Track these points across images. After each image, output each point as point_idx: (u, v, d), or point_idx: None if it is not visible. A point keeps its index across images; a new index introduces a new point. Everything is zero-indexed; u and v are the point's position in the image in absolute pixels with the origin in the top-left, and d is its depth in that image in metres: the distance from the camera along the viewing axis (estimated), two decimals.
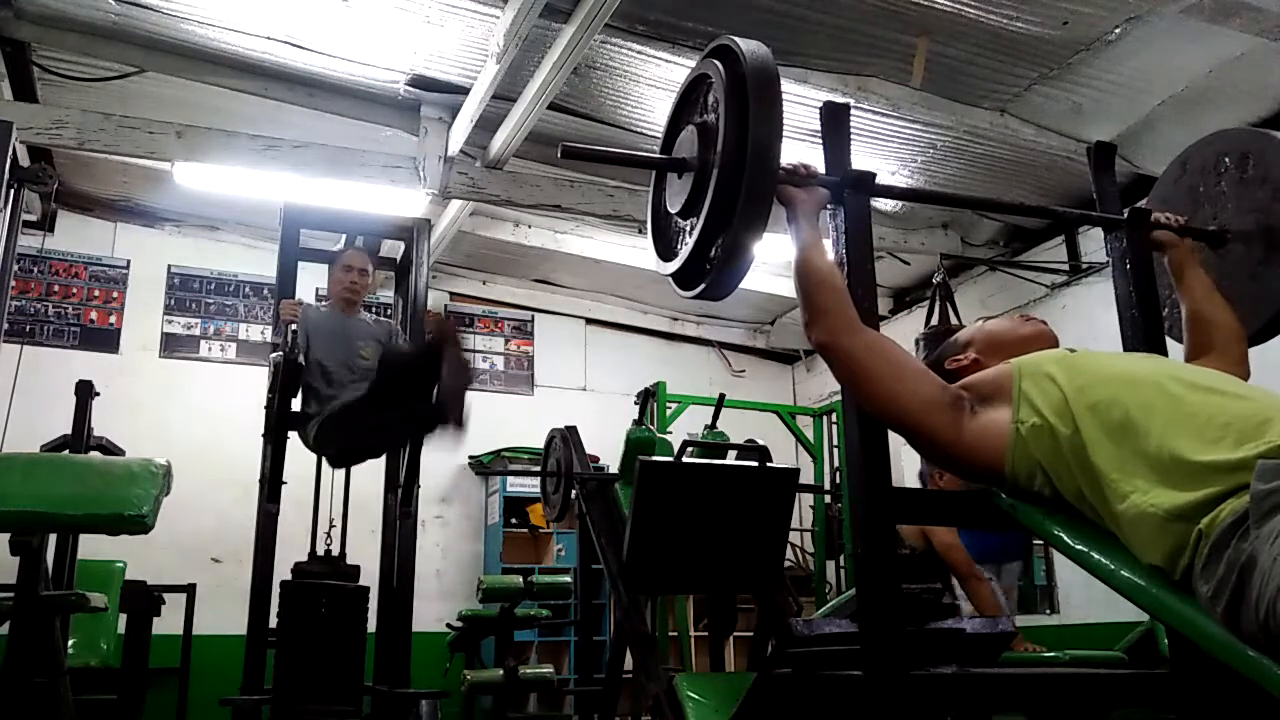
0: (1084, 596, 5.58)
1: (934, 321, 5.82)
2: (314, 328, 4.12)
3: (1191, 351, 1.94)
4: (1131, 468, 1.38)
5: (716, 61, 1.70)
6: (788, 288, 7.50)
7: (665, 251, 1.84)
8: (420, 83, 5.12)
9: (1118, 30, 4.36)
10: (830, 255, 1.75)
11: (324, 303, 4.40)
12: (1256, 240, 2.07)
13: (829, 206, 1.81)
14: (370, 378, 4.03)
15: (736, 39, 1.67)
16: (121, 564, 5.20)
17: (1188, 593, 1.30)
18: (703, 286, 1.71)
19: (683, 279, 1.77)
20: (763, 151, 1.58)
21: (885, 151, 5.45)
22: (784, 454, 7.26)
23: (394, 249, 4.93)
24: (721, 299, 1.75)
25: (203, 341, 7.00)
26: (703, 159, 1.69)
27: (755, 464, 3.39)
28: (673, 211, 1.78)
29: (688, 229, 1.73)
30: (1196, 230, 2.10)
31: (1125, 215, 2.09)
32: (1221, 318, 1.93)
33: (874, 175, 1.84)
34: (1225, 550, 1.22)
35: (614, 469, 4.83)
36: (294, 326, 3.98)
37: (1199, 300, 1.96)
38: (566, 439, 4.79)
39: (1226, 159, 2.14)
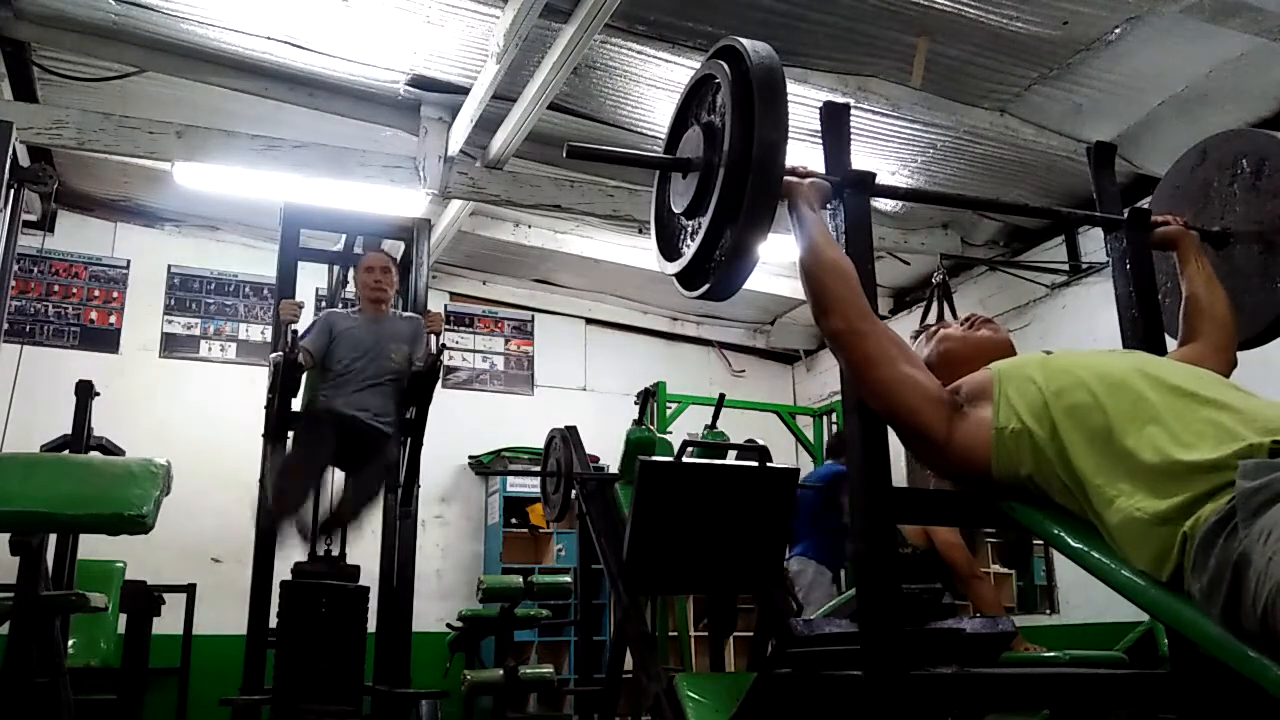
0: (1084, 596, 5.59)
1: (930, 321, 5.82)
2: (343, 337, 4.09)
3: (1184, 336, 1.97)
4: (1113, 472, 1.39)
5: (722, 62, 1.70)
6: (788, 288, 7.51)
7: (669, 251, 1.84)
8: (420, 83, 5.13)
9: (1118, 30, 4.36)
10: (833, 239, 1.74)
11: (354, 309, 4.38)
12: (1257, 249, 2.07)
13: (829, 206, 1.81)
14: (391, 379, 4.07)
15: (742, 40, 1.67)
16: (121, 564, 5.19)
17: (1178, 594, 1.30)
18: (707, 287, 1.70)
19: (687, 279, 1.76)
20: (769, 153, 1.58)
21: (885, 151, 5.45)
22: (784, 454, 7.27)
23: (394, 249, 4.93)
24: (725, 299, 1.74)
25: (203, 341, 6.99)
26: (708, 159, 1.68)
27: (755, 464, 3.39)
28: (677, 211, 1.78)
29: (692, 229, 1.73)
30: (1200, 230, 2.10)
31: (1125, 215, 2.09)
32: (1213, 305, 1.94)
33: (874, 175, 1.84)
34: (1213, 550, 1.22)
35: (614, 469, 4.83)
36: (294, 327, 3.98)
37: (1198, 287, 1.97)
38: (566, 439, 4.79)
39: (1244, 160, 2.13)
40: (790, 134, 1.61)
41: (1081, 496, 1.44)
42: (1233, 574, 1.18)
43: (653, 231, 1.91)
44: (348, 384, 4.03)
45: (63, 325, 6.66)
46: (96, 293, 6.81)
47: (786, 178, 1.70)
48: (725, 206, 1.61)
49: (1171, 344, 2.04)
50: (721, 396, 5.49)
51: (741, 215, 1.59)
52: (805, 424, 7.75)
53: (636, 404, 5.88)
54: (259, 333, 7.00)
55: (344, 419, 3.97)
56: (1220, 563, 1.21)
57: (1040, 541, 3.49)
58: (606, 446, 5.48)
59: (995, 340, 1.84)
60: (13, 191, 3.63)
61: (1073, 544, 1.49)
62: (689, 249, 1.72)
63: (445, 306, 7.56)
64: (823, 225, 1.72)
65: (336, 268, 5.57)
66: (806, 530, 5.15)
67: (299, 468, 3.86)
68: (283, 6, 4.59)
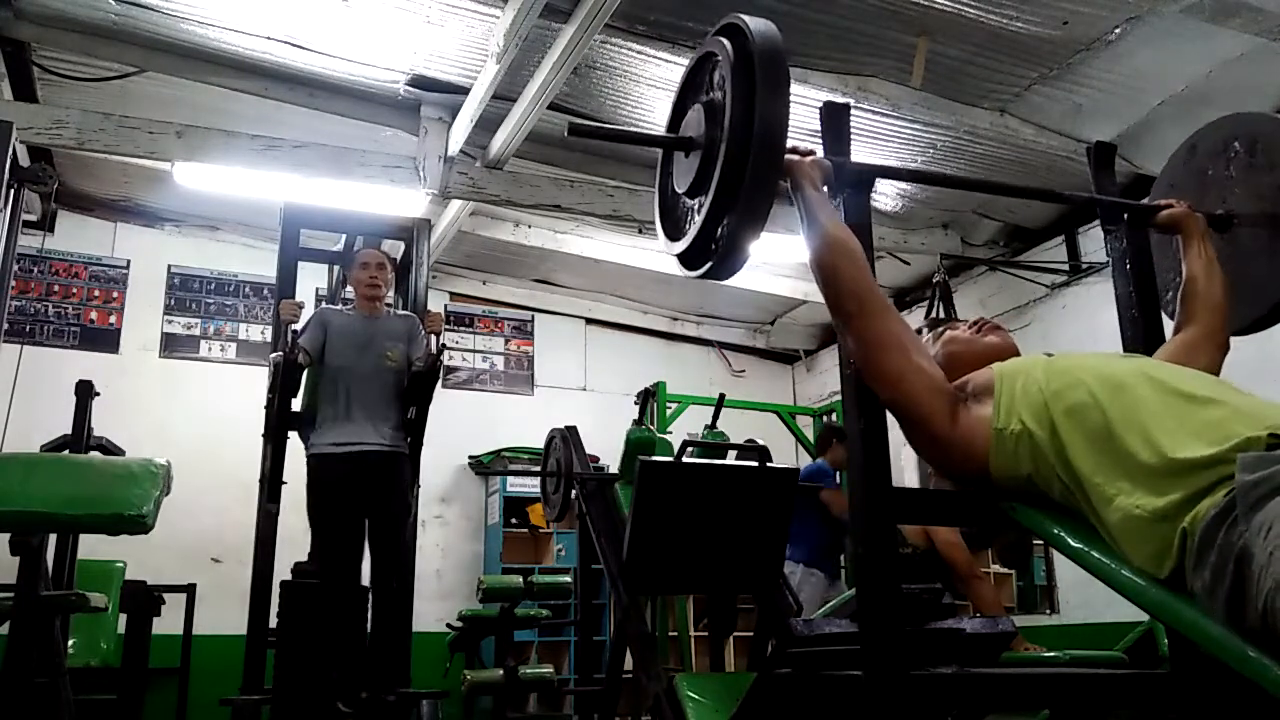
0: (1084, 596, 5.59)
1: (932, 318, 5.82)
2: (337, 333, 4.06)
3: (1179, 321, 1.96)
4: (1112, 471, 1.39)
5: (724, 39, 1.68)
6: (788, 288, 7.50)
7: (673, 231, 1.81)
8: (420, 83, 5.13)
9: (1118, 30, 4.36)
10: (840, 219, 1.71)
11: (348, 306, 4.37)
12: (1262, 227, 2.05)
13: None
14: (389, 378, 4.06)
15: (744, 16, 1.65)
16: (121, 564, 5.19)
17: (1176, 592, 1.30)
18: (710, 265, 1.68)
19: (690, 259, 1.73)
20: (771, 127, 1.56)
21: (885, 151, 5.45)
22: (784, 454, 7.27)
23: (394, 249, 4.93)
24: (727, 278, 1.71)
25: (203, 341, 7.00)
26: (710, 136, 1.66)
27: (755, 464, 3.39)
28: (679, 191, 1.76)
29: (695, 207, 1.70)
30: (1203, 214, 2.07)
31: (1127, 210, 2.08)
32: (1210, 290, 1.92)
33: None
34: (1213, 545, 1.22)
35: (614, 469, 4.83)
36: (295, 326, 3.97)
37: (1198, 271, 1.95)
38: (566, 439, 4.79)
39: (1237, 143, 2.12)
40: (790, 134, 1.61)
41: (1081, 496, 1.44)
42: (1235, 569, 1.18)
43: (656, 214, 1.88)
44: (343, 385, 4.01)
45: (63, 325, 6.66)
46: (96, 293, 6.81)
47: (788, 156, 1.68)
48: (727, 183, 1.59)
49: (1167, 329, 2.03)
50: (721, 396, 5.49)
51: (743, 192, 1.56)
52: (805, 424, 7.75)
53: (636, 404, 5.88)
54: (259, 333, 7.01)
55: (349, 460, 3.93)
56: (1222, 558, 1.21)
57: (1040, 541, 3.49)
58: (606, 446, 5.48)
59: (1001, 347, 1.83)
60: (13, 191, 3.64)
61: (1073, 544, 1.49)
62: (692, 228, 1.69)
63: (445, 306, 7.56)
64: (828, 204, 1.70)
65: (336, 268, 5.56)
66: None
67: (331, 564, 3.87)
68: (283, 6, 4.59)
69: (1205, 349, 1.84)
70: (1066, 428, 1.47)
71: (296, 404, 4.18)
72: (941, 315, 5.79)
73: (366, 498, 3.94)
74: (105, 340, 6.73)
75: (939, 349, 1.86)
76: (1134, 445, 1.37)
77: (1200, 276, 1.94)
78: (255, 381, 5.72)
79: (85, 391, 4.65)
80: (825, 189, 1.75)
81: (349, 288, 4.50)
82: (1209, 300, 1.91)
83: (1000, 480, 1.57)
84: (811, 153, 1.75)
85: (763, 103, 1.56)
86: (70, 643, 4.03)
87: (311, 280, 5.89)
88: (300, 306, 4.06)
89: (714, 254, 1.67)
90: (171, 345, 6.92)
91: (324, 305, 4.61)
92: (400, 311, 4.40)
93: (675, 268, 1.81)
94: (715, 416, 5.33)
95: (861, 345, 1.63)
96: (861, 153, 5.35)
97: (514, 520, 7.21)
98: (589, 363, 8.15)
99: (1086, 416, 1.45)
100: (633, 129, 5.30)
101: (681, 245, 1.73)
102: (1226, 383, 1.52)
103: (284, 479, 4.11)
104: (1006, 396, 1.56)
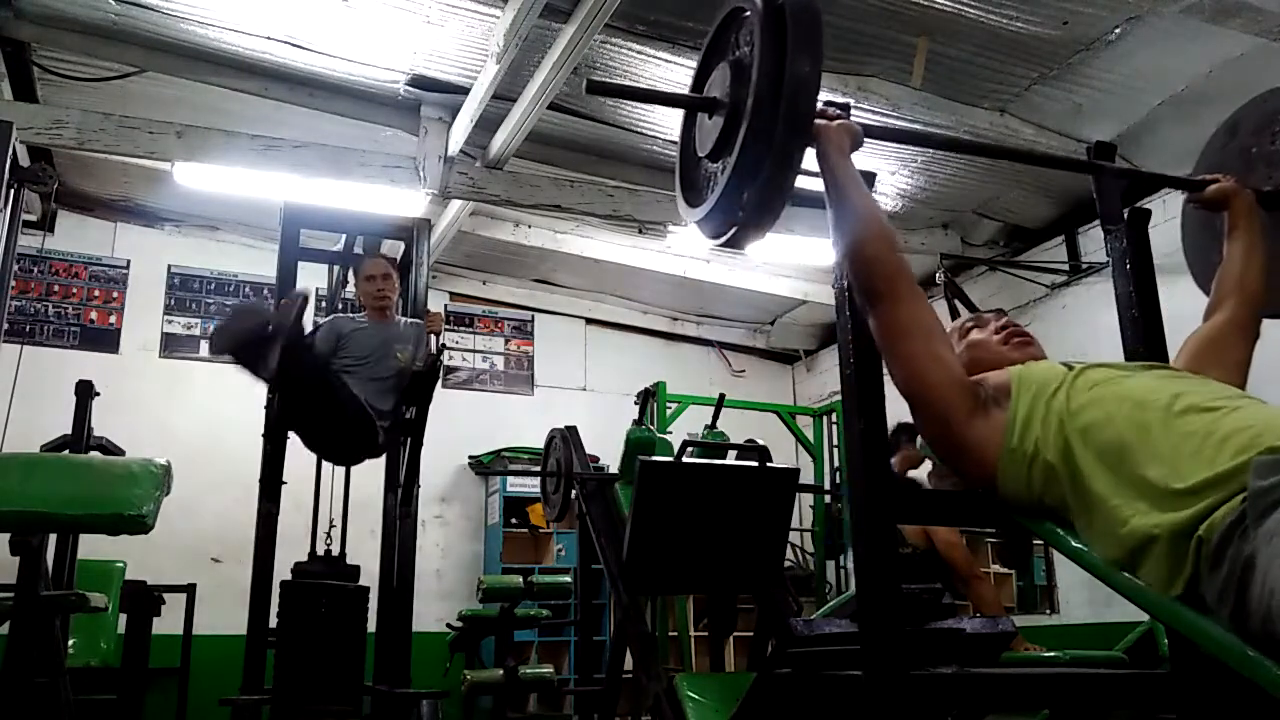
0: (1084, 596, 5.59)
1: (957, 318, 5.80)
2: (350, 341, 4.10)
3: (1210, 306, 1.88)
4: (1130, 491, 1.34)
5: None
6: (788, 288, 7.50)
7: (693, 198, 1.73)
8: (420, 83, 5.13)
9: (1118, 30, 4.37)
10: (868, 192, 1.63)
11: (359, 315, 4.38)
12: None
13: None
14: (394, 378, 4.09)
15: None
16: (121, 564, 5.19)
17: (1191, 605, 1.27)
18: (733, 232, 1.59)
19: (710, 225, 1.65)
20: (800, 84, 1.48)
21: (885, 151, 5.45)
22: (784, 454, 7.26)
23: (394, 249, 4.93)
24: (747, 246, 1.64)
25: (203, 341, 6.99)
26: (735, 95, 1.58)
27: (755, 464, 3.39)
28: (701, 155, 1.68)
29: (718, 171, 1.62)
30: (1252, 190, 2.00)
31: (1172, 184, 2.05)
32: (1245, 277, 1.84)
33: (874, 175, 1.83)
34: (1227, 551, 1.19)
35: (614, 469, 4.83)
36: None
37: (1237, 254, 1.87)
38: (566, 439, 4.79)
39: None
40: None
41: (1095, 518, 1.40)
42: (1241, 575, 1.16)
43: (677, 181, 1.81)
44: (354, 379, 4.04)
45: (63, 325, 6.66)
46: (96, 293, 6.81)
47: (817, 121, 1.61)
48: (753, 143, 1.51)
49: (1178, 339, 1.99)
50: (721, 396, 5.48)
51: (770, 153, 1.49)
52: (805, 424, 7.74)
53: (636, 404, 5.88)
54: None
55: (349, 392, 3.94)
56: (1231, 563, 1.18)
57: (1040, 541, 3.49)
58: (606, 446, 5.48)
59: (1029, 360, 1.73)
60: (13, 191, 3.64)
61: (1073, 544, 1.49)
62: (713, 193, 1.61)
63: (445, 306, 7.55)
64: (857, 177, 1.63)
65: (336, 268, 5.56)
66: None
67: (278, 345, 3.68)
68: (283, 6, 4.59)
69: (1235, 341, 1.77)
70: (1081, 449, 1.41)
71: None
72: (957, 313, 5.78)
73: (337, 427, 3.93)
74: (105, 340, 6.73)
75: (962, 348, 1.80)
76: (1152, 467, 1.32)
77: (1239, 259, 1.86)
78: (255, 381, 5.71)
79: (85, 391, 4.65)
80: (858, 148, 1.67)
81: (349, 287, 4.49)
82: (1245, 286, 1.83)
83: (1007, 498, 1.52)
84: (840, 115, 1.68)
85: (793, 59, 1.48)
86: (70, 643, 4.03)
87: (311, 280, 5.86)
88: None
89: (738, 219, 1.58)
90: (171, 345, 6.92)
91: (337, 315, 4.62)
92: (411, 319, 4.41)
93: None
94: (715, 416, 5.33)
95: (885, 329, 1.57)
96: (861, 153, 5.36)
97: (514, 520, 7.21)
98: (589, 363, 8.15)
99: (1101, 437, 1.40)
100: (632, 131, 5.32)
101: (701, 211, 1.64)
102: (1249, 395, 1.46)
103: (284, 479, 4.11)
104: (1023, 413, 1.50)
